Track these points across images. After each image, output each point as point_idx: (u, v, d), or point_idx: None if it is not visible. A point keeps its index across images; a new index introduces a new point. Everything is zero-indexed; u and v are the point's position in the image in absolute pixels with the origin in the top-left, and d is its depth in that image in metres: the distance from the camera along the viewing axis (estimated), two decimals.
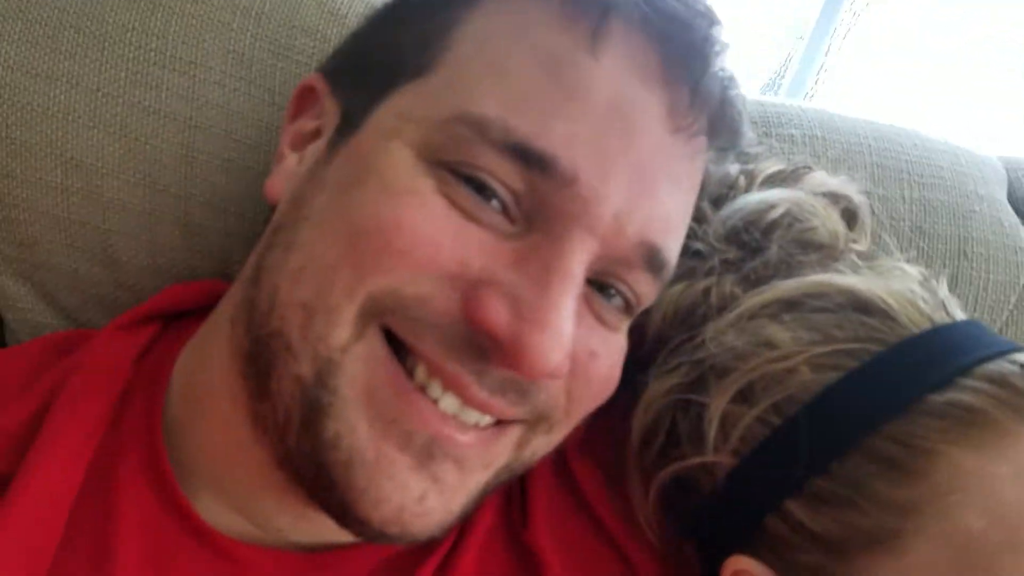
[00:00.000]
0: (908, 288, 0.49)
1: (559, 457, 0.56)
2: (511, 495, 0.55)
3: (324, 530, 0.47)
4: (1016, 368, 0.44)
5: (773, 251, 0.53)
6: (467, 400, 0.42)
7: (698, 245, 0.55)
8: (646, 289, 0.46)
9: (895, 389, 0.45)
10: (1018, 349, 0.46)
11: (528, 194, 0.41)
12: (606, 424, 0.55)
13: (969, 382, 0.44)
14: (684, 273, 0.55)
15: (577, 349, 0.44)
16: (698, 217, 0.55)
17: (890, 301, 0.47)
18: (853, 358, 0.46)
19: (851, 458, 0.44)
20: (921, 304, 0.48)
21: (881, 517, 0.43)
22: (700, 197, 0.53)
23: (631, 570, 0.54)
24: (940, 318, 0.48)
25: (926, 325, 0.47)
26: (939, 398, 0.44)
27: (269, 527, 0.48)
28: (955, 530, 0.42)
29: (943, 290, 0.52)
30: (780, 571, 0.46)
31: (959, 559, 0.42)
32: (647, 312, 0.53)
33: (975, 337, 0.47)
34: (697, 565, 0.52)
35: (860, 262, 0.53)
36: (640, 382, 0.54)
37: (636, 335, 0.53)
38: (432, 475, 0.42)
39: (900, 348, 0.46)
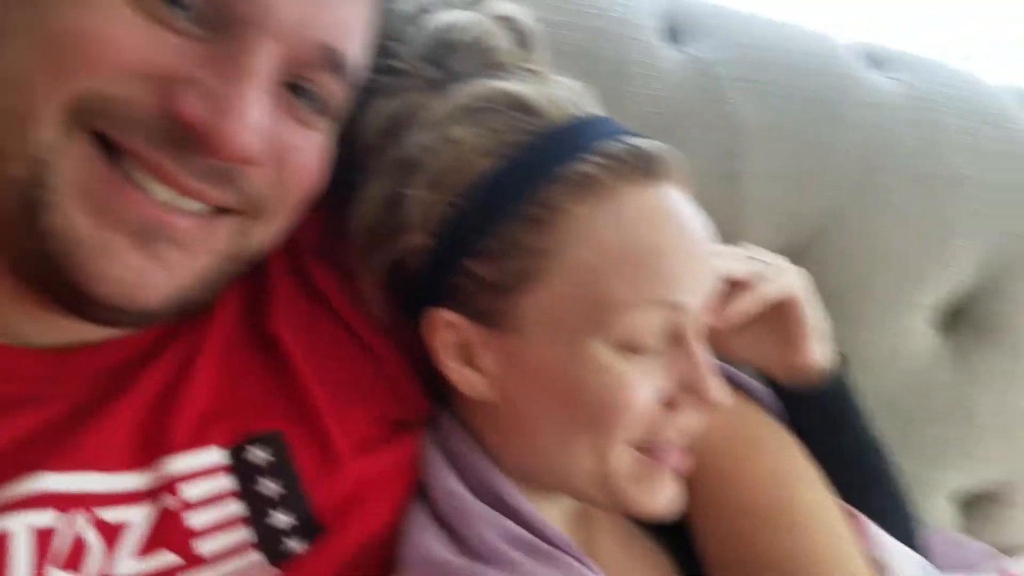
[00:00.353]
0: (558, 93, 0.60)
1: (296, 260, 0.63)
2: (253, 295, 0.61)
3: (66, 331, 0.52)
4: (624, 145, 0.58)
5: (457, 66, 0.62)
6: (175, 186, 0.47)
7: (396, 63, 0.63)
8: (334, 90, 0.53)
9: (539, 166, 0.57)
10: (630, 133, 0.60)
11: (214, 1, 0.46)
12: (336, 226, 0.63)
13: (589, 156, 0.57)
14: (386, 88, 0.63)
15: (278, 144, 0.50)
16: (393, 36, 0.63)
17: (543, 101, 0.59)
18: (513, 147, 0.57)
19: (508, 221, 0.57)
20: (568, 106, 0.60)
21: (527, 262, 0.57)
22: (392, 18, 0.61)
23: (366, 350, 0.63)
24: (579, 113, 0.60)
25: (568, 120, 0.59)
26: (567, 169, 0.57)
27: (11, 333, 0.51)
28: (573, 263, 0.56)
29: (591, 99, 0.63)
30: (465, 315, 0.59)
31: (578, 283, 0.56)
32: (356, 124, 0.61)
33: (601, 126, 0.60)
34: (418, 338, 0.62)
35: (528, 76, 0.63)
36: (359, 186, 0.63)
37: (348, 146, 0.61)
38: (152, 254, 0.48)
39: (546, 135, 0.58)
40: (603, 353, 0.57)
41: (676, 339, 0.59)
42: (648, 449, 0.60)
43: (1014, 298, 1.01)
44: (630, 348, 0.57)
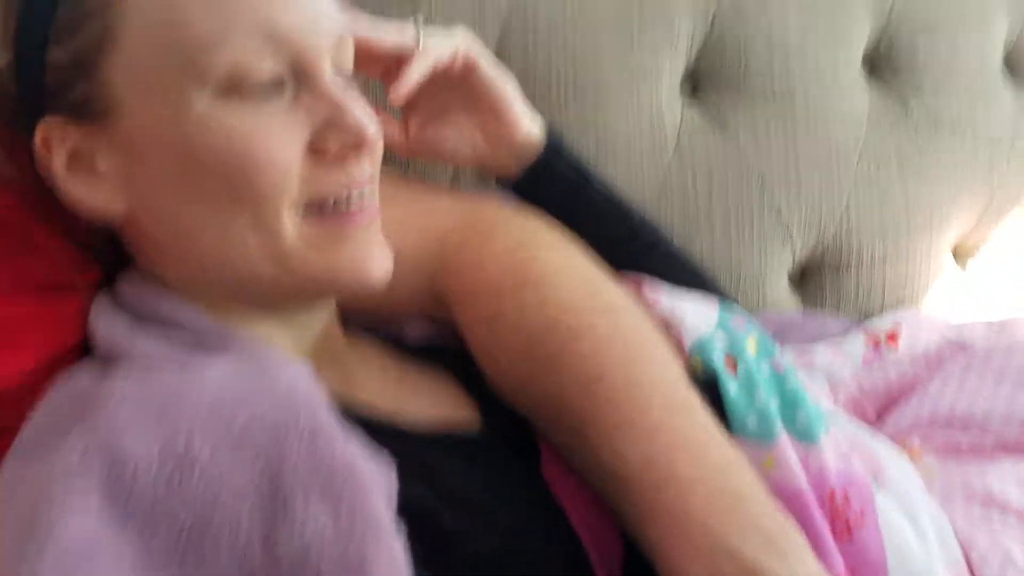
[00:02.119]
0: None
1: None
2: None
3: None
4: None
5: None
6: None
7: None
8: None
9: None
10: None
11: None
12: None
13: None
14: None
15: None
16: None
17: None
18: None
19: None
20: None
21: (95, 23, 0.52)
22: None
23: None
24: None
25: None
26: None
27: None
28: (139, 4, 0.51)
29: None
30: (66, 116, 0.54)
31: (153, 26, 0.51)
32: None
33: None
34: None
35: None
36: None
37: None
38: None
39: None
40: (212, 106, 0.51)
41: (303, 77, 0.54)
42: (323, 210, 0.55)
43: (737, 45, 0.93)
44: (239, 90, 0.51)
